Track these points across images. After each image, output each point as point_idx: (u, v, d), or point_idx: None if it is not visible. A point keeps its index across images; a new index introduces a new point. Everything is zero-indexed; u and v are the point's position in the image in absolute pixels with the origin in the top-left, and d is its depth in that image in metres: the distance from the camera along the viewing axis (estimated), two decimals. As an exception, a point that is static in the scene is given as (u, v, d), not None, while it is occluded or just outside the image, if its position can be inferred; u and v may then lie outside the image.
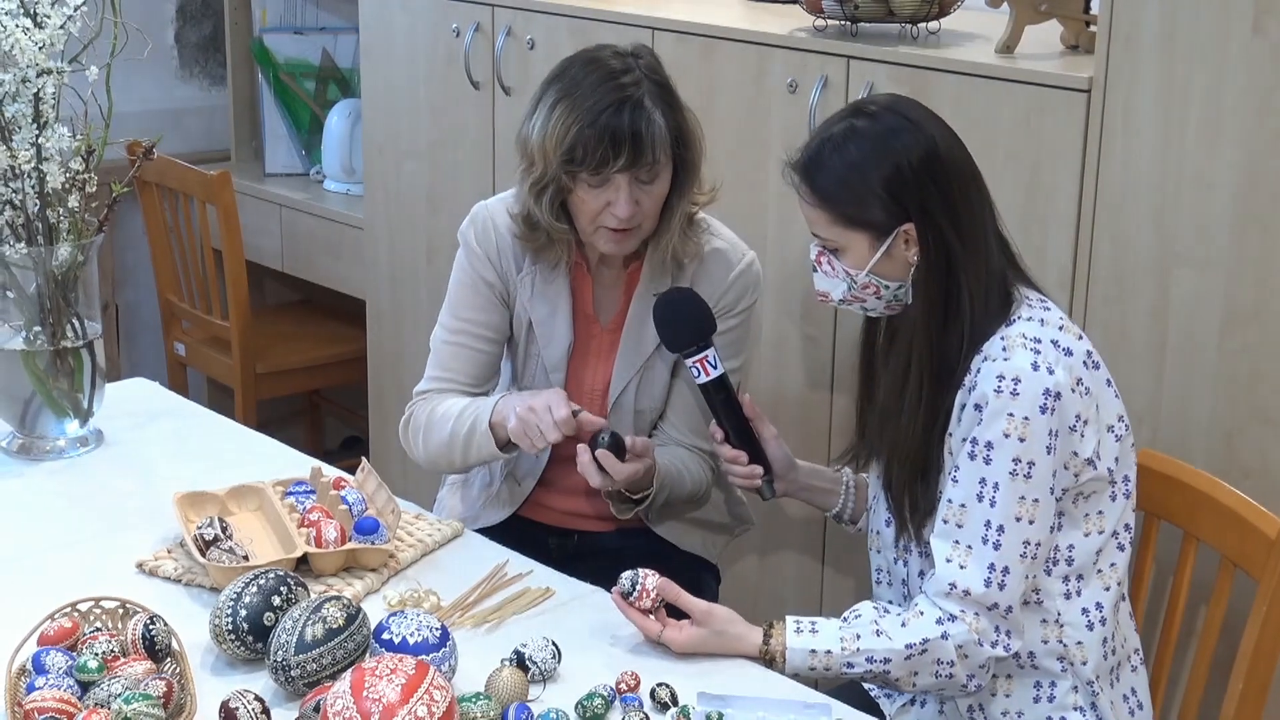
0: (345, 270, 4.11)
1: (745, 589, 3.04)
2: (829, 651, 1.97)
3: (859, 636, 1.98)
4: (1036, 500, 1.94)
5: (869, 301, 2.07)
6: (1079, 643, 2.02)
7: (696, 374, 2.25)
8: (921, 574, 2.09)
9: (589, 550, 2.50)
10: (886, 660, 1.96)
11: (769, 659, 1.98)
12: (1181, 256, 2.33)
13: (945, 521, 1.98)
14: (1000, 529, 1.94)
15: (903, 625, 1.97)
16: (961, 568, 1.95)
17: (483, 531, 2.36)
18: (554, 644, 1.89)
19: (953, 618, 1.96)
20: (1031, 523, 1.95)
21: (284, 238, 4.33)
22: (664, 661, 1.93)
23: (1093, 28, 2.56)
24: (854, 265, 2.03)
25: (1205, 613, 2.22)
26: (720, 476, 2.53)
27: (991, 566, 1.95)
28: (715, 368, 2.24)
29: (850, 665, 1.97)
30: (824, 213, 2.02)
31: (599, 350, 2.44)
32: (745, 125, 2.86)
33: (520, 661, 1.86)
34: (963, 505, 1.96)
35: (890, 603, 2.13)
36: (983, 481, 1.95)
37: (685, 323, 2.26)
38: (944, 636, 1.96)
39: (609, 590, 2.03)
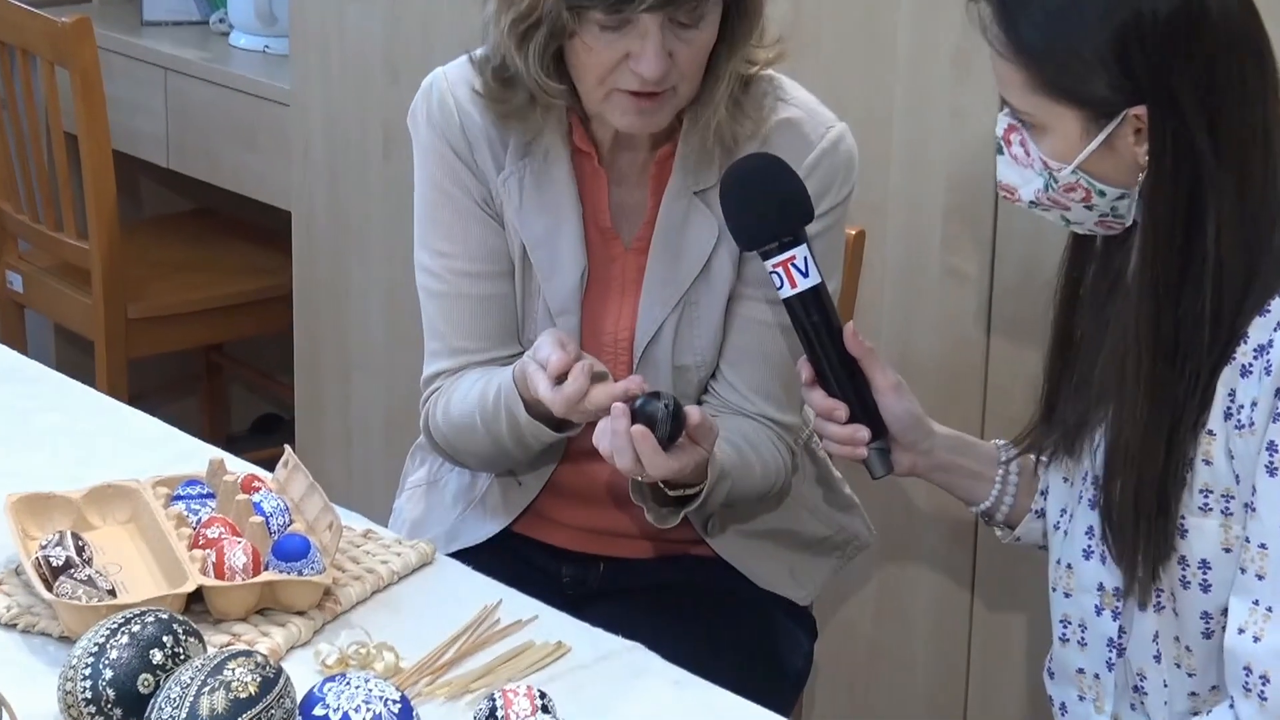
0: (262, 167, 4.16)
1: (853, 638, 3.04)
2: None
3: None
4: None
5: (1074, 210, 2.08)
6: None
7: (779, 283, 2.23)
8: (1158, 638, 2.09)
9: (619, 585, 2.52)
10: None
11: None
12: None
13: (1244, 570, 1.99)
14: None
15: None
16: (1256, 640, 1.95)
17: (463, 555, 2.39)
18: (568, 726, 1.91)
19: None
20: None
21: (170, 118, 4.38)
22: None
23: None
24: (1057, 155, 2.04)
25: None
26: (813, 461, 2.54)
27: None
28: (806, 275, 2.22)
29: None
30: (1022, 72, 2.02)
31: (621, 279, 2.46)
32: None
33: (519, 751, 1.88)
34: (1262, 546, 1.97)
35: (1082, 672, 2.13)
36: None
37: (768, 203, 2.25)
38: None
39: (648, 646, 2.07)
